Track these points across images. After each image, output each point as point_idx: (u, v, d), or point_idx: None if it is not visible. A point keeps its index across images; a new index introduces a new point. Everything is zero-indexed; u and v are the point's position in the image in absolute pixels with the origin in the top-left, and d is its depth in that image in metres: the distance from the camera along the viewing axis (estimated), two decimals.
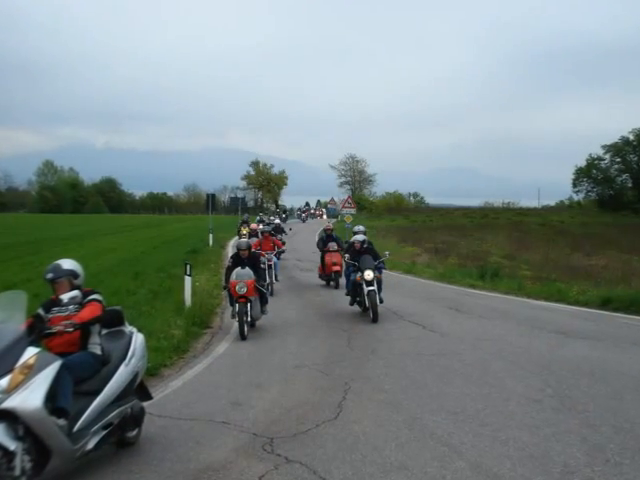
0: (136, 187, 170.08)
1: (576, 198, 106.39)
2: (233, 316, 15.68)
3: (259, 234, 28.41)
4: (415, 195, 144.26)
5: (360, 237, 18.28)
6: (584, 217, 71.73)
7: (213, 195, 52.09)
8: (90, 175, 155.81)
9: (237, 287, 15.14)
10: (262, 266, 18.46)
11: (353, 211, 47.81)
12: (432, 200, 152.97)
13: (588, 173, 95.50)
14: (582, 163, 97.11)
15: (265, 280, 18.70)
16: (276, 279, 23.57)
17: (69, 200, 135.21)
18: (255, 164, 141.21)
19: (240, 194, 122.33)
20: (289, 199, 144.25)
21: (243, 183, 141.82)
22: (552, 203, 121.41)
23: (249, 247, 16.66)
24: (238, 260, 16.22)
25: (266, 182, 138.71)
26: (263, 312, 16.39)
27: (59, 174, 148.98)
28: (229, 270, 16.22)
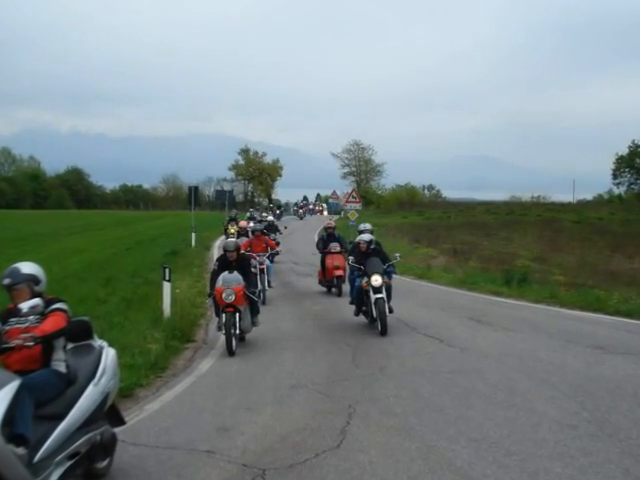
0: (107, 179, 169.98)
1: (617, 191, 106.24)
2: (219, 328, 15.67)
3: (249, 233, 28.42)
4: (430, 188, 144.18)
5: (366, 237, 18.26)
6: (626, 213, 71.47)
7: (196, 188, 52.11)
8: (53, 165, 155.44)
9: (224, 295, 15.11)
10: (253, 270, 18.39)
11: (358, 206, 47.87)
12: (450, 194, 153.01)
13: (631, 162, 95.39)
14: (624, 151, 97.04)
15: (256, 286, 18.68)
16: (269, 285, 23.54)
17: (29, 193, 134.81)
18: (245, 152, 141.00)
19: (227, 187, 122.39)
20: (284, 192, 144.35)
21: (231, 174, 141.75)
22: (589, 197, 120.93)
23: (238, 248, 16.65)
24: (225, 263, 16.20)
25: (257, 173, 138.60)
26: (254, 324, 16.37)
27: (17, 163, 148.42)
28: (215, 275, 16.18)
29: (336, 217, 69.88)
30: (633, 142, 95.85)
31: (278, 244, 28.28)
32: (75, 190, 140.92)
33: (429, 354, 14.35)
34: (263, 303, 20.82)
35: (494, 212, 76.67)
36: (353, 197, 47.60)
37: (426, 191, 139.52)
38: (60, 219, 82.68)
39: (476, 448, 8.46)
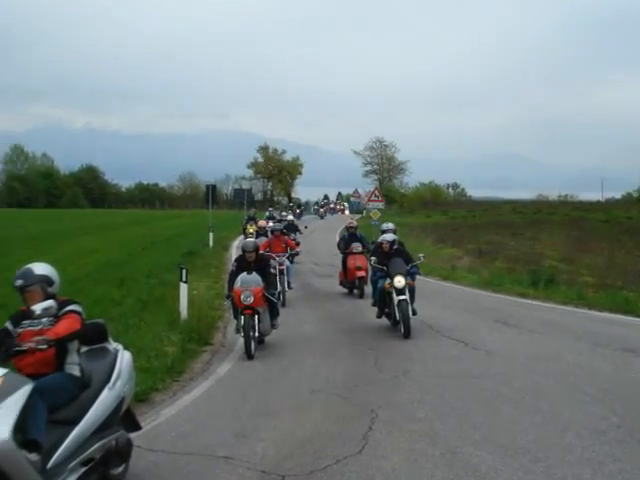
0: (122, 177, 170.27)
1: None
2: (238, 331, 15.66)
3: (268, 233, 28.41)
4: (455, 186, 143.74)
5: (389, 236, 18.24)
6: None
7: (214, 186, 52.07)
8: (67, 162, 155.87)
9: (242, 296, 15.08)
10: (272, 271, 18.33)
11: (381, 205, 47.80)
12: (475, 192, 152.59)
13: None
14: None
15: (276, 288, 18.70)
16: (289, 286, 23.59)
17: (42, 192, 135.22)
18: (264, 149, 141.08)
19: (246, 185, 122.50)
20: (304, 191, 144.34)
21: (250, 172, 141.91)
22: (618, 196, 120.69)
23: (257, 248, 16.63)
24: (243, 264, 16.18)
25: (277, 171, 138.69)
26: (273, 326, 16.34)
27: (30, 161, 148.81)
28: (233, 276, 16.13)
29: (358, 216, 69.88)
30: None
31: (298, 244, 28.04)
32: (89, 189, 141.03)
33: (454, 358, 14.33)
34: (283, 305, 20.78)
35: (520, 211, 76.32)
36: (375, 196, 47.56)
37: (450, 190, 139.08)
38: (74, 218, 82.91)
39: (502, 454, 8.45)
